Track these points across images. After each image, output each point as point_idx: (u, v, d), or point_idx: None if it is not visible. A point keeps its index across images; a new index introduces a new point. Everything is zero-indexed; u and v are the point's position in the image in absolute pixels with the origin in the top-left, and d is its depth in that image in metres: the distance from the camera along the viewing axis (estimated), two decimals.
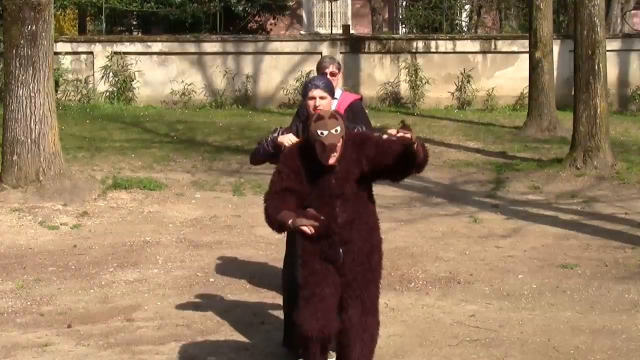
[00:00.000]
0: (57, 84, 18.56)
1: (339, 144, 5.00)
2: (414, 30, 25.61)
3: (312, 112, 5.65)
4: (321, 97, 5.78)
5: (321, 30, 28.32)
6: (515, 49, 21.29)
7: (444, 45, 21.57)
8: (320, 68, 6.86)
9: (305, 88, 5.88)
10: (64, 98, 20.23)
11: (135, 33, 25.75)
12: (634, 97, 21.27)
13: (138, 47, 21.26)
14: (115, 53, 20.95)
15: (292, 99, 20.77)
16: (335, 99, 6.42)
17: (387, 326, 6.66)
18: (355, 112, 6.52)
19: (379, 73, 21.49)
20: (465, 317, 7.00)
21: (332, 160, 4.98)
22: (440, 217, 10.93)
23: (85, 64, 21.03)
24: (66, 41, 21.40)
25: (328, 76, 6.62)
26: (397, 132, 4.75)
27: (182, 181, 12.76)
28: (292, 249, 6.05)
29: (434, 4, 25.36)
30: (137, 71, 21.00)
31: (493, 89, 20.99)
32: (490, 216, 11.00)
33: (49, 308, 7.30)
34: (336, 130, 4.95)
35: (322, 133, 4.93)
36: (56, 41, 18.94)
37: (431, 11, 25.48)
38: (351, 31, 23.65)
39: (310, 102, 5.81)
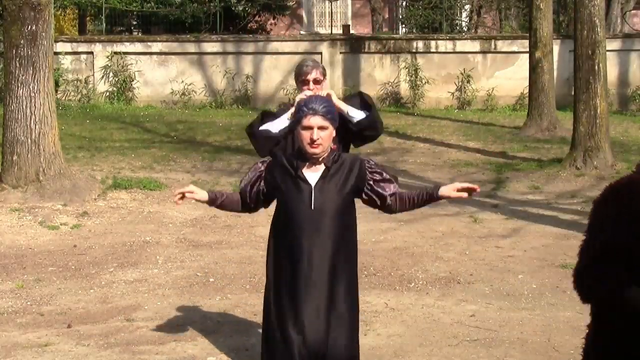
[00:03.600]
0: (57, 84, 18.56)
1: None
2: (414, 30, 25.59)
3: (308, 150, 4.26)
4: (320, 128, 4.21)
5: (321, 30, 28.30)
6: (515, 49, 21.29)
7: (444, 45, 21.57)
8: (301, 74, 5.28)
9: (299, 112, 4.30)
10: (64, 98, 20.24)
11: (135, 33, 25.75)
12: (634, 97, 21.27)
13: (138, 47, 21.27)
14: (115, 53, 20.96)
15: (292, 99, 20.65)
16: None
17: (387, 326, 6.66)
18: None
19: (379, 73, 21.48)
20: (465, 317, 6.99)
21: None
22: (440, 217, 10.93)
23: (85, 64, 21.03)
24: (66, 41, 21.41)
25: (311, 84, 5.22)
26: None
27: (182, 181, 12.75)
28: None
29: (434, 4, 25.35)
30: (137, 71, 21.01)
31: (493, 89, 20.98)
32: (490, 216, 11.00)
33: (49, 308, 7.30)
34: None
35: None
36: (56, 41, 18.95)
37: (431, 11, 25.47)
38: (351, 31, 23.64)
39: (305, 134, 4.23)
